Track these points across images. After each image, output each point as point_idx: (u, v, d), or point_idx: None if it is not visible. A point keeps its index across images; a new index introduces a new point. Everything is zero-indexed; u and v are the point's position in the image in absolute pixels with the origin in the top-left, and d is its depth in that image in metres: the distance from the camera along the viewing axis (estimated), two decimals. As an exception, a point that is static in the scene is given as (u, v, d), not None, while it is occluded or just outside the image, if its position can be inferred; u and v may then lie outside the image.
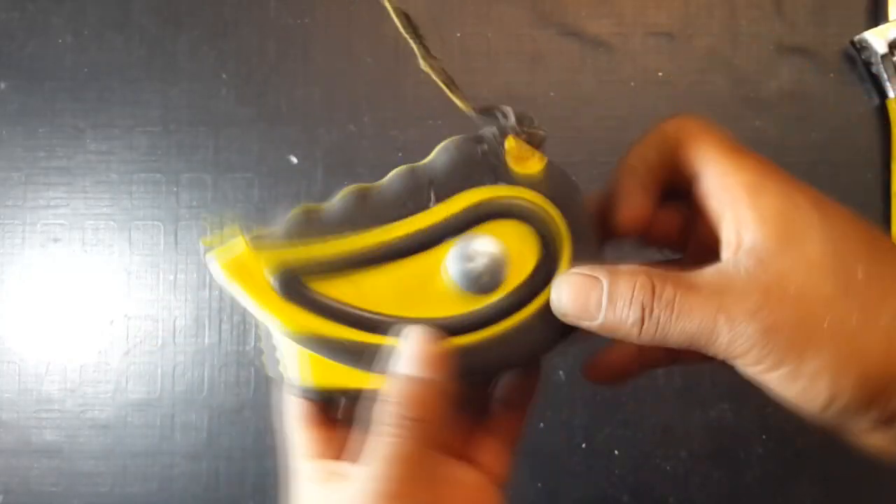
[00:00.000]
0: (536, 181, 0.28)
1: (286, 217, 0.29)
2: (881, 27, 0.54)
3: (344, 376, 0.28)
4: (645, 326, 0.25)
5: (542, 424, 0.53)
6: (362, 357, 0.28)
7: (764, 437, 0.53)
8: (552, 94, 0.56)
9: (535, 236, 0.28)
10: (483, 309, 0.28)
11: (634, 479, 0.53)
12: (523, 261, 0.28)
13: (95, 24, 0.56)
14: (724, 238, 0.27)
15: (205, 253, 0.29)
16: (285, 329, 0.28)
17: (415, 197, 0.28)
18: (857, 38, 0.54)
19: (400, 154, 0.55)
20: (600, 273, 0.26)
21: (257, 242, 0.28)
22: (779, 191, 0.26)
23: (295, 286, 0.28)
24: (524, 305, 0.28)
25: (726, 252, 0.27)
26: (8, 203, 0.56)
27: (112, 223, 0.55)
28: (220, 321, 0.55)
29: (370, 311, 0.28)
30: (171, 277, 0.55)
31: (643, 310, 0.25)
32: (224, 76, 0.56)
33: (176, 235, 0.55)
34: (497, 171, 0.28)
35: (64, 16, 0.57)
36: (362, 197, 0.28)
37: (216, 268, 0.28)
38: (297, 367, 0.28)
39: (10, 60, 0.56)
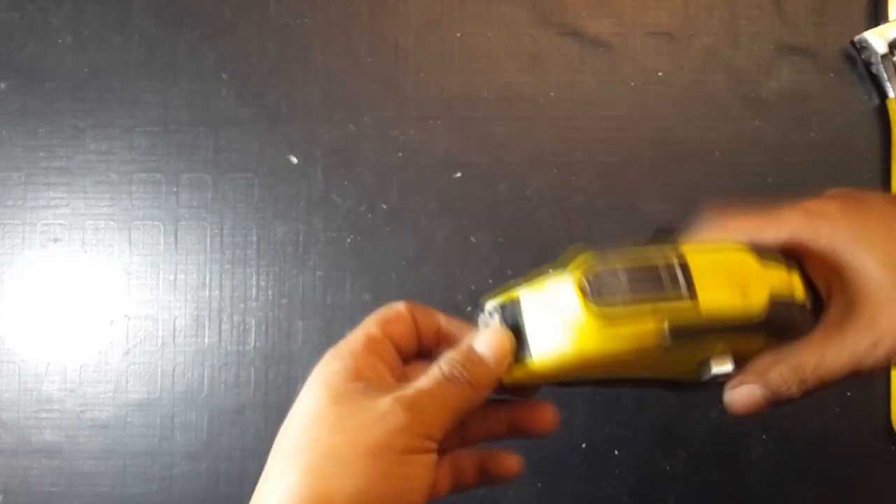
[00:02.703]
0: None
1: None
2: (881, 27, 0.54)
3: None
4: (808, 388, 0.31)
5: (542, 424, 0.53)
6: None
7: (764, 437, 0.53)
8: (552, 94, 0.56)
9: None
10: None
11: (634, 479, 0.53)
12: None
13: (95, 24, 0.56)
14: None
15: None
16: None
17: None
18: (857, 38, 0.54)
19: (400, 154, 0.55)
20: (755, 380, 0.32)
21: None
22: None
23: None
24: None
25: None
26: (8, 203, 0.56)
27: (112, 223, 0.55)
28: (220, 321, 0.55)
29: None
30: (171, 277, 0.55)
31: (799, 381, 0.31)
32: (224, 76, 0.56)
33: (176, 235, 0.55)
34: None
35: (64, 16, 0.57)
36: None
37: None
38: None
39: (10, 60, 0.56)
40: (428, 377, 0.31)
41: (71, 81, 0.56)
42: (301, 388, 0.32)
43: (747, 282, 0.29)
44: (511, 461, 0.36)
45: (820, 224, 0.30)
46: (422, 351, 0.35)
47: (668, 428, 0.53)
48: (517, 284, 0.33)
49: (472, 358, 0.32)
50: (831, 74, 0.55)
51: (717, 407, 0.53)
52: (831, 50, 0.56)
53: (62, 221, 0.56)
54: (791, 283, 0.30)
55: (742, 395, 0.32)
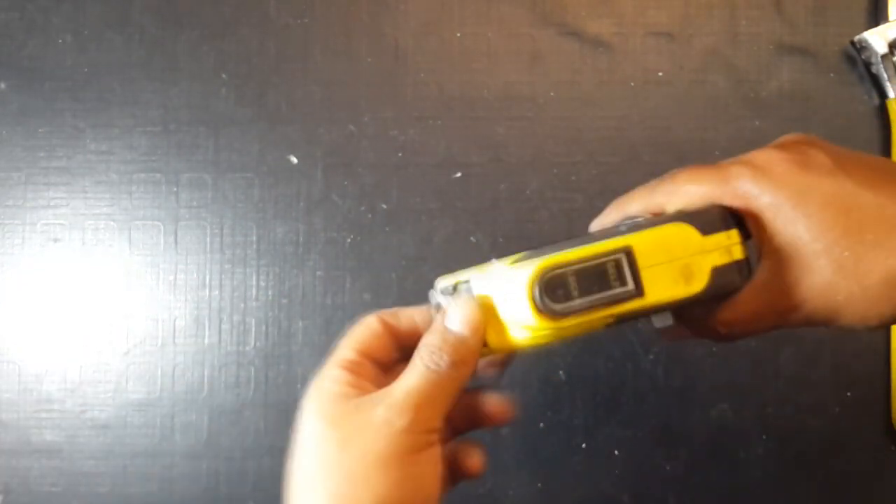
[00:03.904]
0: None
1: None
2: (881, 27, 0.54)
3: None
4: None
5: (542, 424, 0.53)
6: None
7: (764, 437, 0.53)
8: (552, 94, 0.56)
9: None
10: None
11: (634, 479, 0.53)
12: None
13: (95, 24, 0.56)
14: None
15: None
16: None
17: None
18: (857, 38, 0.54)
19: (400, 154, 0.55)
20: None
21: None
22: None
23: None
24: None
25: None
26: (8, 203, 0.56)
27: (112, 223, 0.56)
28: (220, 321, 0.55)
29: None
30: (171, 277, 0.55)
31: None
32: (224, 76, 0.56)
33: (176, 235, 0.55)
34: None
35: (64, 16, 0.57)
36: None
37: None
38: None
39: (10, 60, 0.56)
40: (412, 373, 0.31)
41: (71, 81, 0.56)
42: (301, 388, 0.32)
43: (690, 264, 0.31)
44: (477, 456, 0.36)
45: (763, 182, 0.31)
46: (406, 354, 0.34)
47: (668, 428, 0.53)
48: (467, 270, 0.34)
49: (447, 338, 0.32)
50: (831, 74, 0.55)
51: (717, 407, 0.54)
52: (831, 50, 0.56)
53: (62, 221, 0.56)
54: (731, 245, 0.32)
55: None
